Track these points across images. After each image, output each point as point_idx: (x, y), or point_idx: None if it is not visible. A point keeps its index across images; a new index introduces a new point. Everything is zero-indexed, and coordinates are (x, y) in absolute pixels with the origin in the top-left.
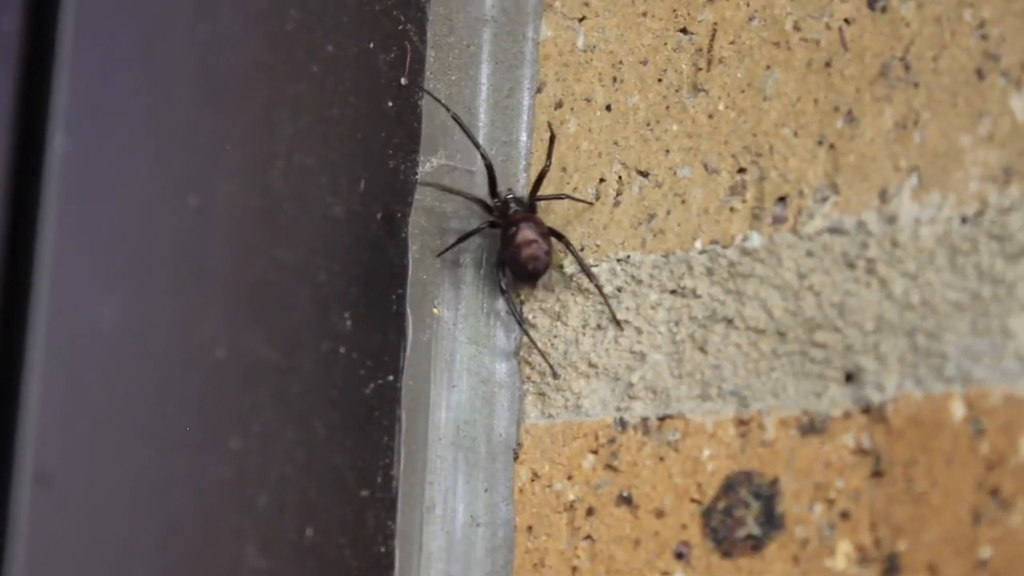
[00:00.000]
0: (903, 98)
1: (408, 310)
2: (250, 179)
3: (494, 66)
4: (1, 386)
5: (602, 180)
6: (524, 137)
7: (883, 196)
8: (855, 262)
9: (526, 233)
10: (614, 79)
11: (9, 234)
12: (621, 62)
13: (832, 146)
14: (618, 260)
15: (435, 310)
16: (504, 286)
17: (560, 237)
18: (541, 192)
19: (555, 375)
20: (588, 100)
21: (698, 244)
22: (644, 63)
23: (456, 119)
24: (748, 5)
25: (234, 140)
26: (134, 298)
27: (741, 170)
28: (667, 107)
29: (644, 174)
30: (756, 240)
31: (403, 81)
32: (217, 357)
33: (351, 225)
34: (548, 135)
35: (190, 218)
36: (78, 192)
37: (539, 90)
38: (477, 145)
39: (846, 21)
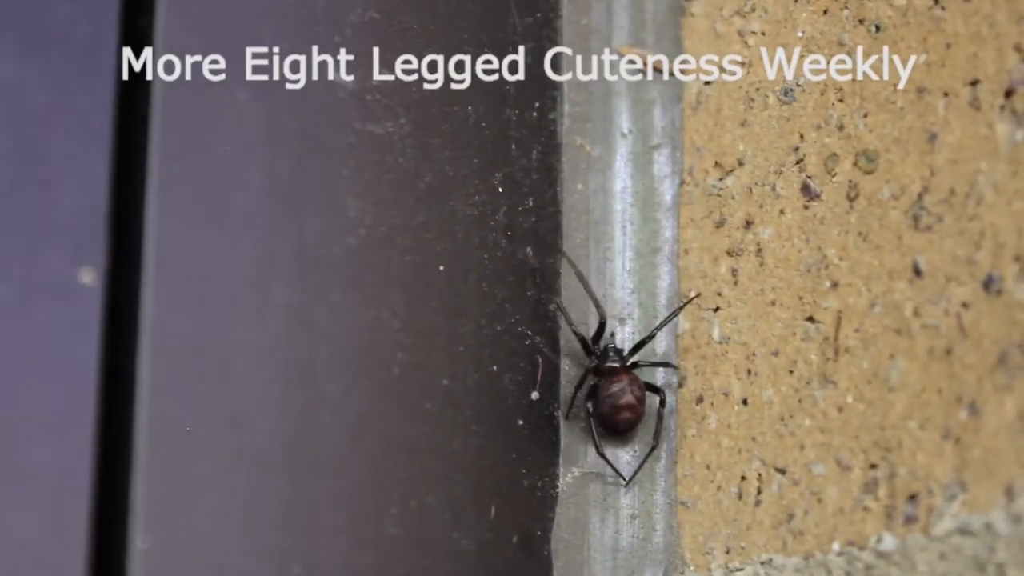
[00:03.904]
0: (1023, 387)
1: None
2: (358, 536)
3: None
4: None
5: (743, 478)
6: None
7: (1009, 493)
8: (986, 566)
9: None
10: (748, 371)
11: None
12: (754, 354)
13: (958, 440)
14: (761, 563)
15: None
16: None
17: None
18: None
19: None
20: (726, 394)
21: (835, 546)
22: (775, 354)
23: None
24: (869, 291)
25: (336, 503)
26: None
27: (872, 466)
28: (799, 400)
29: (782, 471)
30: (890, 543)
31: (534, 396)
32: None
33: (482, 556)
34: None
35: None
36: None
37: (680, 385)
38: (597, 305)
39: (964, 305)
